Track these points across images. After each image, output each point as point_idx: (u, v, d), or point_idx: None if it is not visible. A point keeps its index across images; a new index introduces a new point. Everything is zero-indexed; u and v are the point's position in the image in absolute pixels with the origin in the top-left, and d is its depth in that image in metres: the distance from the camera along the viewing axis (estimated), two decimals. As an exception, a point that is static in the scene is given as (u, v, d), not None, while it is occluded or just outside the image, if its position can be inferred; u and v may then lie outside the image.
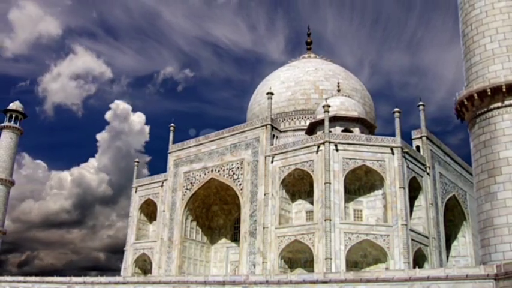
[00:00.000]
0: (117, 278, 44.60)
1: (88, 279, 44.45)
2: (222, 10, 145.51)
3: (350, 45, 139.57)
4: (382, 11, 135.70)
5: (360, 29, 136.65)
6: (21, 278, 51.20)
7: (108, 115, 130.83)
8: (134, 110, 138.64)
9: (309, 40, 67.49)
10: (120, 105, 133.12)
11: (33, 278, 49.72)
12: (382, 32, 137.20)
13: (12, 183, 70.29)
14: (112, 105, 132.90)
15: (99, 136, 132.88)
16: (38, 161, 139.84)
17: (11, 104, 73.77)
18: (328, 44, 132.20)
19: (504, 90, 25.47)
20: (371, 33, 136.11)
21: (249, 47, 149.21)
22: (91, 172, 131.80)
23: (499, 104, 25.92)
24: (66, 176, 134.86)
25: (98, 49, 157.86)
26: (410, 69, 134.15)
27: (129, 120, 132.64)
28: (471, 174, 33.86)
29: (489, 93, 25.96)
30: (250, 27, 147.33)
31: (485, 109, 26.52)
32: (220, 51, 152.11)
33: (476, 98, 26.59)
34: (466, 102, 27.34)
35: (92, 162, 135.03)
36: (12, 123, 72.34)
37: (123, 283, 41.30)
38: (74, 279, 45.83)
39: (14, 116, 72.83)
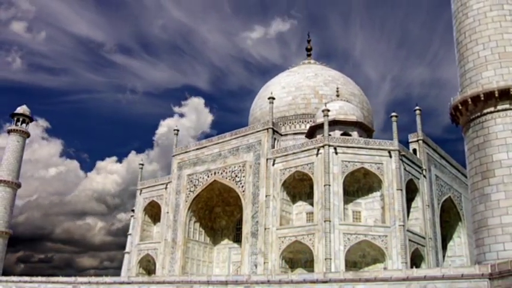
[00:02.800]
0: (121, 278, 45.13)
1: (93, 279, 44.80)
2: (257, 30, 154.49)
3: (375, 62, 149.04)
4: (409, 33, 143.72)
5: (386, 49, 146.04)
6: (27, 278, 51.60)
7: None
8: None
9: (308, 47, 68.34)
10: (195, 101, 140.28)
11: (39, 278, 50.09)
12: (407, 51, 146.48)
13: (18, 185, 70.90)
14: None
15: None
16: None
17: (18, 108, 74.55)
18: (354, 60, 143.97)
19: (497, 95, 26.19)
20: (396, 53, 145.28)
21: (278, 61, 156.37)
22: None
23: (492, 109, 26.59)
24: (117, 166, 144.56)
25: (131, 63, 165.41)
26: (431, 82, 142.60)
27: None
28: (466, 177, 34.46)
29: (482, 98, 26.64)
30: (283, 44, 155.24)
31: (479, 113, 27.19)
32: (250, 66, 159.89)
33: (470, 103, 27.27)
34: (460, 107, 28.02)
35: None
36: (19, 127, 73.09)
37: (128, 283, 41.62)
38: (80, 279, 46.28)
39: (21, 119, 73.68)
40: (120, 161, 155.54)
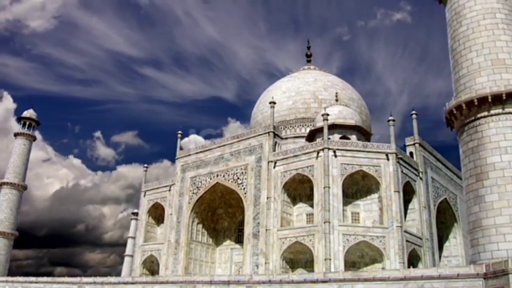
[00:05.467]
0: (126, 278, 45.70)
1: (98, 279, 45.38)
2: (287, 45, 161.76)
3: (396, 75, 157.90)
4: (429, 51, 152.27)
5: (408, 64, 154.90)
6: (33, 279, 52.13)
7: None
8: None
9: (308, 53, 69.56)
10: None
11: (44, 279, 50.74)
12: (426, 67, 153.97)
13: (24, 187, 71.34)
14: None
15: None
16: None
17: (25, 112, 75.17)
18: (376, 73, 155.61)
19: (490, 100, 27.08)
20: (416, 68, 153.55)
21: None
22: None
23: (486, 113, 27.48)
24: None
25: (161, 77, 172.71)
26: (447, 94, 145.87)
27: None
28: (461, 179, 35.14)
29: (476, 103, 27.50)
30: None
31: (473, 118, 28.03)
32: (273, 78, 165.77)
33: (464, 107, 28.11)
34: (455, 112, 28.88)
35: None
36: (25, 130, 73.58)
37: (132, 283, 42.28)
38: (85, 279, 46.88)
39: (27, 123, 74.17)
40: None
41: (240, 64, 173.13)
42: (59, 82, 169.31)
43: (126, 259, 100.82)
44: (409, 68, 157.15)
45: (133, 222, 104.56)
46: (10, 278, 56.34)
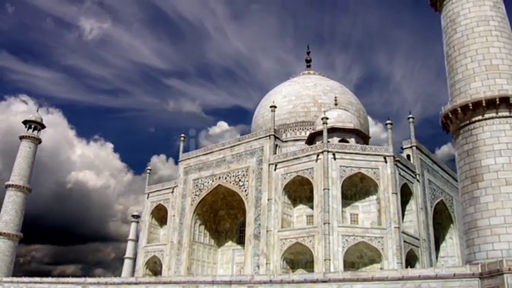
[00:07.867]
0: (129, 279, 46.18)
1: (102, 279, 45.88)
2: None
3: (413, 85, 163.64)
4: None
5: (425, 77, 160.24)
6: (37, 279, 52.52)
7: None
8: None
9: (308, 58, 70.32)
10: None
11: (49, 279, 51.17)
12: (443, 80, 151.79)
13: (29, 190, 71.67)
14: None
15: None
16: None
17: (30, 115, 75.73)
18: (394, 83, 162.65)
19: (484, 105, 27.64)
20: (434, 81, 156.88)
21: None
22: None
23: (480, 117, 28.00)
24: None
25: (186, 87, 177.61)
26: None
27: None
28: (457, 181, 35.81)
29: (471, 107, 28.05)
30: (330, 68, 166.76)
31: (468, 122, 28.57)
32: None
33: (459, 111, 28.67)
34: (450, 116, 29.47)
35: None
36: (31, 133, 73.95)
37: (136, 283, 42.74)
38: (89, 279, 47.31)
39: (33, 126, 74.59)
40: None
41: (262, 75, 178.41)
42: (88, 91, 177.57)
43: (126, 261, 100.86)
44: (426, 81, 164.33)
45: (133, 225, 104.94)
46: (15, 279, 56.85)
